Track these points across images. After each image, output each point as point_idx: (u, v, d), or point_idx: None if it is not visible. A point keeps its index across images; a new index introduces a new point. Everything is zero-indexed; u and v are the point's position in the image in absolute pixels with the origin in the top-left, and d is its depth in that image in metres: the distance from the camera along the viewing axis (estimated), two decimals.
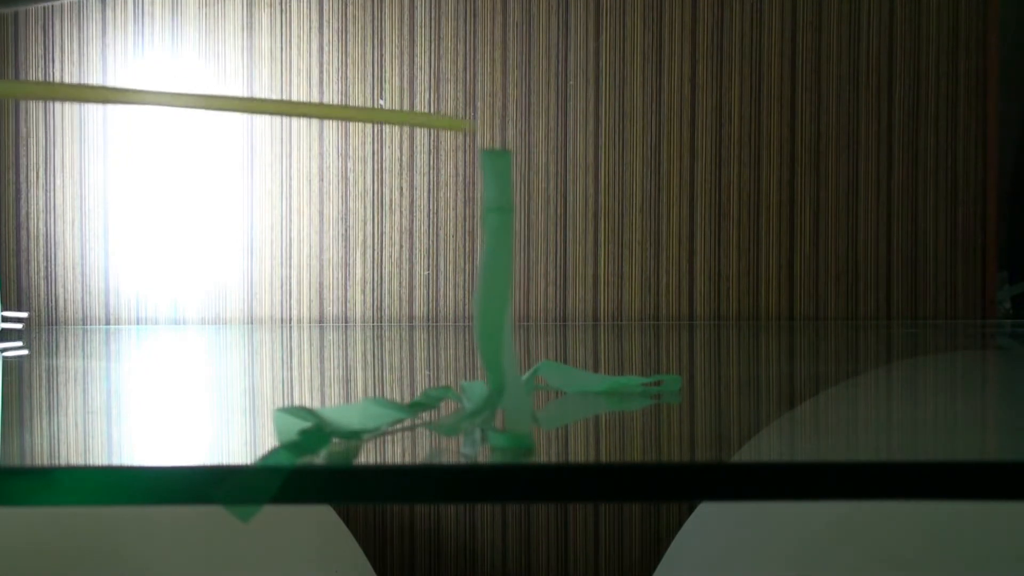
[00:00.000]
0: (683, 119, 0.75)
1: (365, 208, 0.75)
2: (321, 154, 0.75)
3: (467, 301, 0.74)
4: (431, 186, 0.74)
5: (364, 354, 0.56)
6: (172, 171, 0.75)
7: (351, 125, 0.74)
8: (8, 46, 0.75)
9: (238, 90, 0.74)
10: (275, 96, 0.75)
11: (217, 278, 0.75)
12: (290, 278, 0.75)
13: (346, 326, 0.73)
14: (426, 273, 0.74)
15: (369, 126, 0.74)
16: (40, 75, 0.74)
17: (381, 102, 0.74)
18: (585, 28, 0.74)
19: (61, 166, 0.75)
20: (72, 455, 0.28)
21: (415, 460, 0.25)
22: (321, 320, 0.75)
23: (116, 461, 0.27)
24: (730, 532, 0.54)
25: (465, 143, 0.74)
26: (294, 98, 0.74)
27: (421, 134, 0.74)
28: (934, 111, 0.75)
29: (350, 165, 0.74)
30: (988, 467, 0.23)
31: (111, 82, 0.74)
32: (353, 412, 0.27)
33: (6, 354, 0.54)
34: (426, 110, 0.74)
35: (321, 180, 0.75)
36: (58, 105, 0.75)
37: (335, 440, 0.26)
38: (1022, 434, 0.30)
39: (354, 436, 0.26)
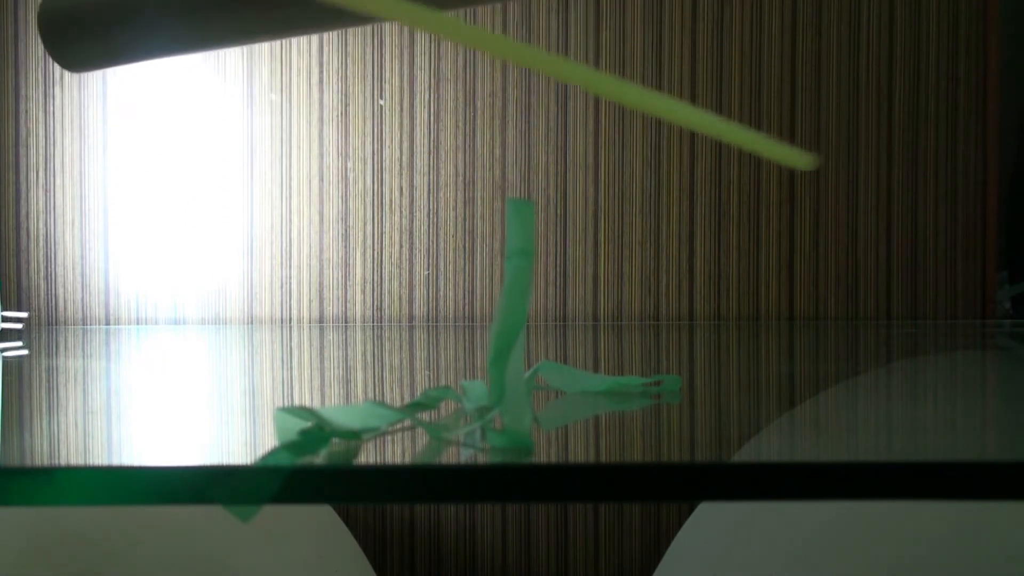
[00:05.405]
0: None
1: (365, 208, 0.75)
2: (321, 154, 0.75)
3: (467, 301, 0.74)
4: (431, 186, 0.74)
5: (364, 354, 0.56)
6: (172, 171, 0.75)
7: (351, 125, 0.74)
8: (8, 46, 0.75)
9: (237, 90, 0.74)
10: (276, 97, 0.75)
11: (217, 278, 0.75)
12: (290, 278, 0.75)
13: (346, 326, 0.73)
14: (426, 273, 0.74)
15: (369, 125, 0.74)
16: (40, 75, 0.74)
17: (381, 102, 0.74)
18: (585, 28, 0.74)
19: (61, 166, 0.75)
20: (72, 455, 0.28)
21: (415, 460, 0.25)
22: (321, 320, 0.74)
23: (116, 461, 0.27)
24: (730, 532, 0.54)
25: (465, 143, 0.74)
26: (294, 99, 0.74)
27: (421, 133, 0.74)
28: (934, 111, 0.75)
29: (350, 165, 0.74)
30: (988, 467, 0.23)
31: (111, 82, 0.74)
32: (353, 412, 0.27)
33: (6, 354, 0.54)
34: (426, 110, 0.74)
35: (321, 180, 0.75)
36: (58, 105, 0.75)
37: (335, 440, 0.26)
38: (1022, 434, 0.30)
39: (354, 436, 0.26)
